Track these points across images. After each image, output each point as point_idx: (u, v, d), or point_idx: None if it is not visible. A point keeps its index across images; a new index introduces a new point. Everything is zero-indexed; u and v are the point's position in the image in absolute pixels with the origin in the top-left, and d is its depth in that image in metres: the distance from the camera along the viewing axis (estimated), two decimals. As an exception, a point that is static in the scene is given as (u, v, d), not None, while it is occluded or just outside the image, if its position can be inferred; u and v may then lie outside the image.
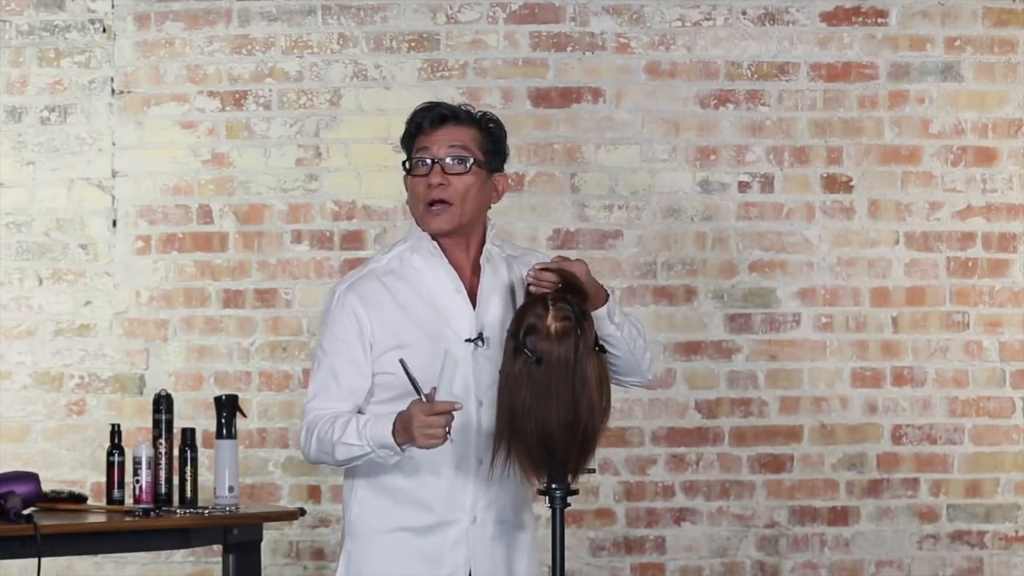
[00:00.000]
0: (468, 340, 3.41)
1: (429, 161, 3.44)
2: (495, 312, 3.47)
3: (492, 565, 3.47)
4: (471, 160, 3.45)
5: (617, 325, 3.42)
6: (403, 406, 3.33)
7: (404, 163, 3.49)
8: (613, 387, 3.41)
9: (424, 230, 3.47)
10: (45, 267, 5.65)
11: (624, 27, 5.67)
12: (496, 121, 3.52)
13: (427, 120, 3.47)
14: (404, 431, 3.28)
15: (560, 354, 3.27)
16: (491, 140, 3.50)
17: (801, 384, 5.65)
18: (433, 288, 3.46)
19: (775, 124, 5.69)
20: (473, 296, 3.47)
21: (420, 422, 3.25)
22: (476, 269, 3.50)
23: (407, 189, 3.50)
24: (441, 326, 3.43)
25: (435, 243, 3.46)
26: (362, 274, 3.50)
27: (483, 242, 3.51)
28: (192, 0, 5.67)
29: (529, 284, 3.40)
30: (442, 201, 3.43)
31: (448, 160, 3.44)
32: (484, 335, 3.43)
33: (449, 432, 3.26)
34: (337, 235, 5.63)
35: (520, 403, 3.28)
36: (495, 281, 3.50)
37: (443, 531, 3.43)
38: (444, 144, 3.45)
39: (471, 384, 3.42)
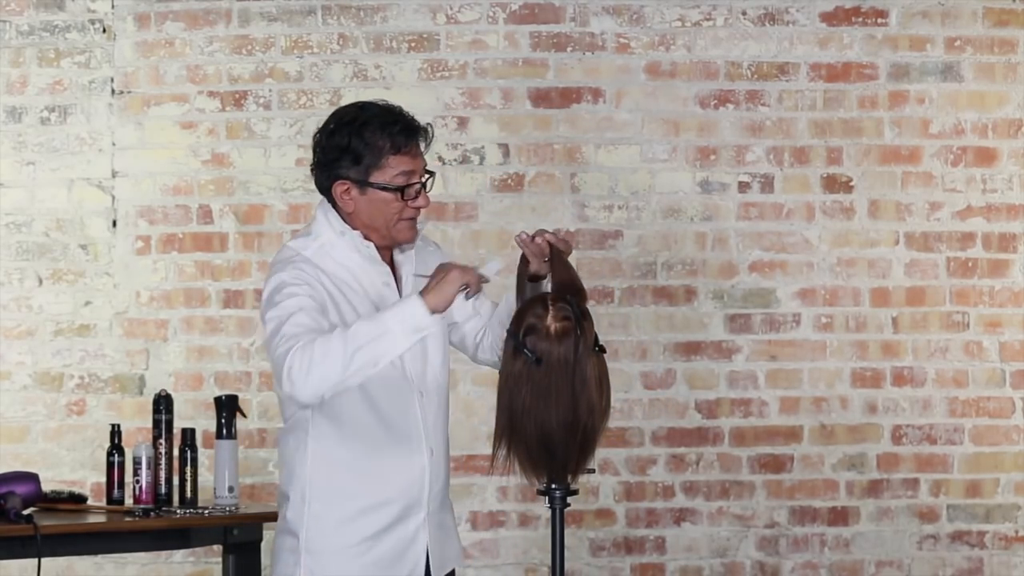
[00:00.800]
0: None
1: (419, 184, 3.43)
2: None
3: (440, 550, 3.51)
4: (434, 175, 3.48)
5: None
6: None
7: (384, 185, 3.39)
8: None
9: (393, 240, 3.45)
10: (45, 267, 5.65)
11: (624, 27, 5.67)
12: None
13: (414, 138, 3.42)
14: (434, 283, 3.26)
15: (560, 354, 3.27)
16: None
17: (801, 384, 5.65)
18: (364, 282, 3.45)
19: (775, 124, 5.69)
20: (397, 288, 3.49)
21: (459, 267, 3.27)
22: (391, 262, 3.51)
23: (356, 199, 3.42)
24: None
25: (368, 241, 3.44)
26: (294, 260, 3.42)
27: None
28: (192, 0, 5.67)
29: (522, 242, 3.40)
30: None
31: (429, 181, 3.45)
32: None
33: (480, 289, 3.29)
34: (337, 235, 5.63)
35: (520, 403, 3.29)
36: (411, 270, 3.51)
37: (403, 526, 3.44)
38: (422, 163, 3.45)
39: (411, 375, 3.45)
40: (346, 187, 3.43)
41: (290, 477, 3.48)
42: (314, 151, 3.47)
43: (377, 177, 3.41)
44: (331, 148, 3.43)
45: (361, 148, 3.40)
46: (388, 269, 3.47)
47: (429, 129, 3.47)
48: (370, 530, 3.42)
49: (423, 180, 3.44)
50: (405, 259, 3.52)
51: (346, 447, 3.42)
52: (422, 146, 3.45)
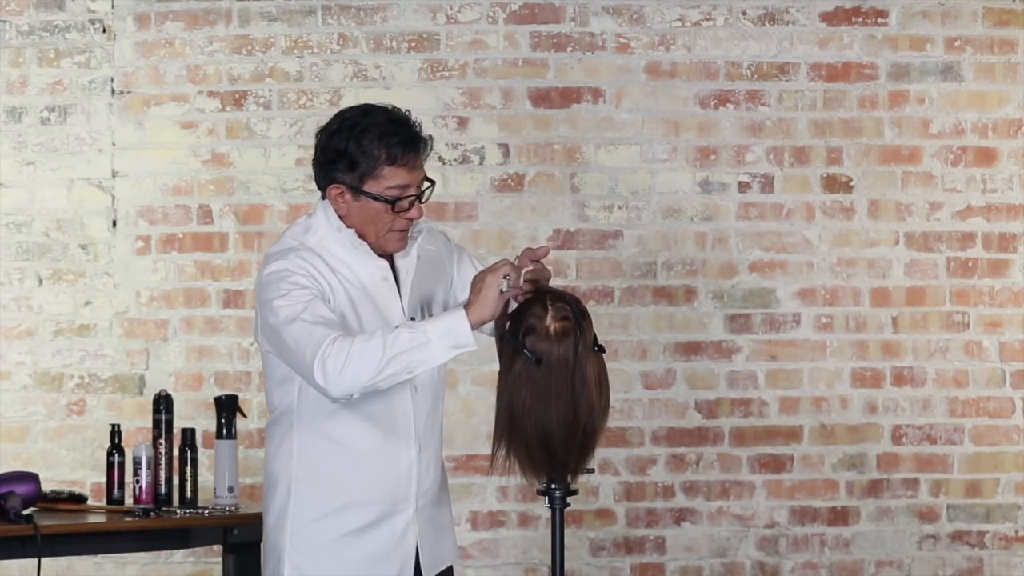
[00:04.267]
0: (398, 327, 3.36)
1: (413, 197, 3.40)
2: (415, 295, 3.49)
3: (432, 547, 3.51)
4: (433, 184, 3.46)
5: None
6: None
7: (376, 195, 3.38)
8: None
9: (381, 249, 3.43)
10: (45, 267, 5.65)
11: (624, 27, 5.67)
12: None
13: (413, 151, 3.39)
14: (473, 295, 3.23)
15: (560, 354, 3.27)
16: None
17: (801, 384, 5.65)
18: (362, 276, 3.43)
19: (775, 124, 5.69)
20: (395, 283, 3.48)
21: (488, 270, 3.24)
22: (391, 256, 3.50)
23: (348, 204, 3.40)
24: (373, 313, 3.42)
25: (362, 240, 3.43)
26: (297, 249, 3.40)
27: None
28: (192, 0, 5.67)
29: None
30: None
31: (427, 191, 3.43)
32: (413, 319, 3.43)
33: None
34: (337, 235, 5.62)
35: (520, 404, 3.29)
36: (407, 262, 3.50)
37: (390, 523, 3.43)
38: (420, 174, 3.43)
39: None
40: (340, 191, 3.43)
41: (275, 470, 3.47)
42: (315, 148, 3.47)
43: (371, 186, 3.40)
44: (329, 150, 3.42)
45: (357, 155, 3.39)
46: (387, 264, 3.46)
47: (429, 141, 3.44)
48: (355, 525, 3.41)
49: (420, 191, 3.42)
50: (403, 254, 3.50)
51: (331, 439, 3.41)
52: (422, 156, 3.43)
